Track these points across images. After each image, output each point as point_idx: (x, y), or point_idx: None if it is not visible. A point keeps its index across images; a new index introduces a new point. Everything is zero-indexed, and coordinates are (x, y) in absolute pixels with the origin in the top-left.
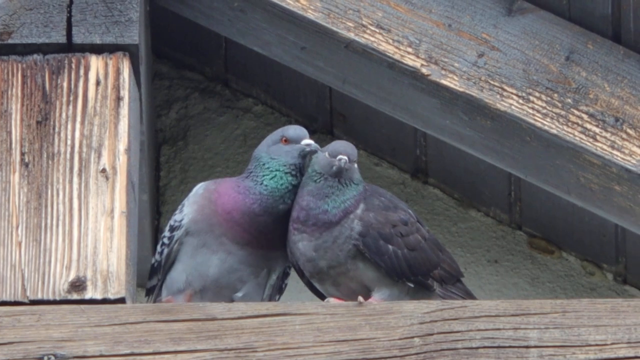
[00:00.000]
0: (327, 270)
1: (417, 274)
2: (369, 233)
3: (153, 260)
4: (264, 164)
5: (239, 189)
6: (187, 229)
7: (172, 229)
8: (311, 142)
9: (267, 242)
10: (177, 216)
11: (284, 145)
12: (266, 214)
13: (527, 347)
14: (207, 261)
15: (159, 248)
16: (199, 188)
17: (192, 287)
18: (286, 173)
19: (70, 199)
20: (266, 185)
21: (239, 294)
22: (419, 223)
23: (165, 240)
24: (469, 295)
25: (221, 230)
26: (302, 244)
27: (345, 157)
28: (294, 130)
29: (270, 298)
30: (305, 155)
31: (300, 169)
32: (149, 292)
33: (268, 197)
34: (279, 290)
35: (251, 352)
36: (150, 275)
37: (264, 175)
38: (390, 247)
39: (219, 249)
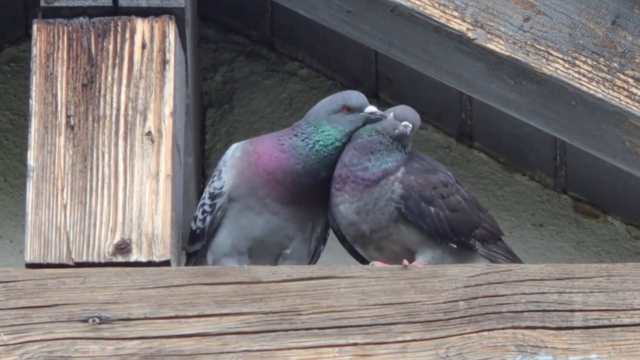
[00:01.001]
0: (369, 234)
1: (460, 234)
2: (410, 196)
3: (194, 227)
4: (323, 131)
5: (282, 147)
6: (228, 195)
7: (213, 197)
8: (374, 109)
9: (310, 200)
10: (216, 183)
11: (346, 115)
12: (308, 176)
13: (572, 310)
14: (252, 223)
15: (199, 215)
16: (235, 150)
17: (238, 249)
18: (343, 143)
19: (116, 162)
20: (317, 151)
21: (287, 251)
22: (458, 184)
23: (207, 208)
24: (510, 254)
25: (264, 191)
26: (343, 206)
27: (411, 126)
28: (356, 98)
29: (316, 250)
30: (368, 124)
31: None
32: (191, 256)
33: (314, 161)
34: (323, 241)
35: (296, 315)
36: (191, 241)
37: (318, 140)
38: (432, 208)
39: (263, 210)
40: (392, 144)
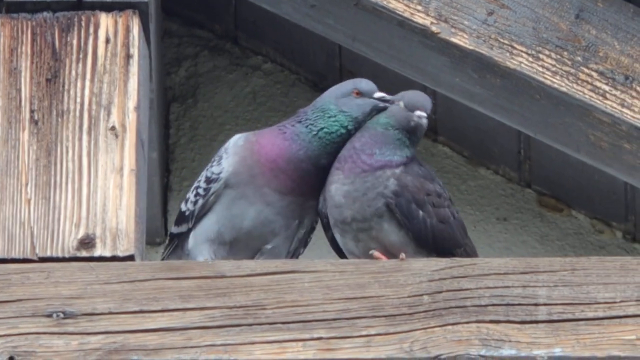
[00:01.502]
0: (350, 221)
1: (441, 248)
2: (403, 194)
3: (184, 208)
4: (330, 117)
5: (284, 135)
6: (226, 181)
7: (209, 181)
8: (384, 94)
9: (308, 189)
10: (214, 168)
11: (356, 98)
12: (309, 161)
13: (535, 304)
14: (243, 213)
15: (191, 197)
16: (239, 139)
17: (222, 238)
18: (348, 130)
19: (80, 157)
20: (320, 138)
21: (268, 246)
22: (450, 201)
23: (201, 191)
24: None
25: (264, 180)
26: (334, 186)
27: (425, 114)
28: (367, 83)
29: (296, 251)
30: (375, 111)
31: (361, 125)
32: (174, 237)
33: (316, 147)
34: (304, 244)
35: (260, 310)
36: (177, 222)
37: (323, 127)
38: (421, 212)
39: (258, 200)
40: (406, 137)
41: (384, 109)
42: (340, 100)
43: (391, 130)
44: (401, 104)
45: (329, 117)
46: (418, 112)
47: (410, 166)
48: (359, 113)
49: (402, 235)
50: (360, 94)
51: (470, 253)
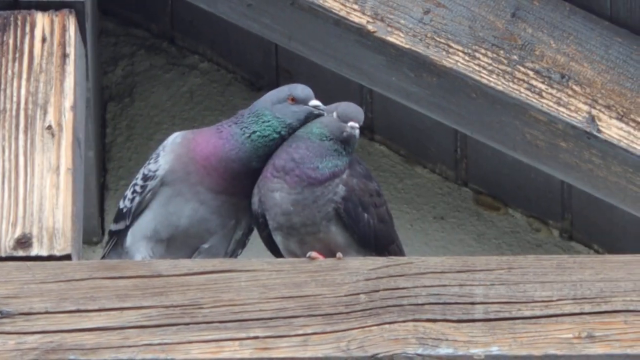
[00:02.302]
0: (299, 227)
1: (380, 245)
2: (351, 198)
3: (122, 206)
4: (264, 122)
5: (220, 134)
6: (162, 179)
7: (146, 178)
8: (319, 103)
9: (240, 189)
10: (151, 165)
11: (291, 105)
12: (240, 162)
13: (472, 303)
14: (179, 211)
15: (129, 194)
16: (176, 137)
17: (159, 235)
18: (281, 135)
19: (16, 156)
20: (252, 140)
21: (205, 245)
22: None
23: (138, 189)
24: None
25: (197, 177)
26: (279, 194)
27: (357, 125)
28: (302, 89)
29: (234, 252)
30: (310, 117)
31: (294, 131)
32: (112, 235)
33: (248, 149)
34: (242, 245)
35: (197, 309)
36: (116, 219)
37: (256, 131)
38: (365, 215)
39: (193, 198)
40: (341, 147)
41: (318, 116)
42: (276, 107)
43: (326, 141)
44: (334, 114)
45: (263, 122)
46: (351, 123)
47: (352, 167)
48: (293, 120)
49: (348, 237)
50: (295, 100)
51: (401, 247)
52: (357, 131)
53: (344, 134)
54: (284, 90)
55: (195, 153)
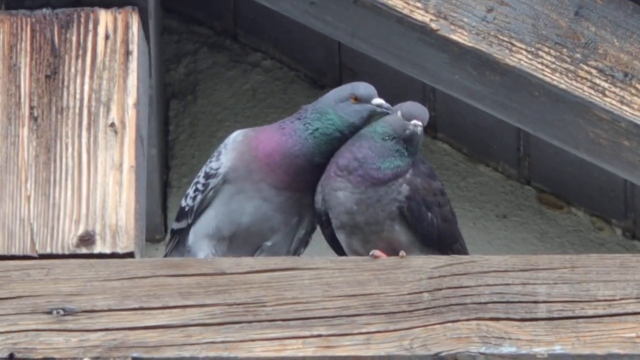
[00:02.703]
0: (362, 226)
1: (443, 244)
2: (414, 198)
3: (183, 204)
4: (327, 119)
5: (283, 130)
6: (224, 176)
7: (208, 176)
8: (382, 101)
9: (304, 185)
10: (213, 164)
11: (353, 104)
12: (304, 158)
13: (535, 302)
14: (241, 208)
15: (191, 193)
16: (237, 135)
17: (221, 233)
18: (343, 134)
19: (79, 153)
20: (315, 137)
21: (268, 243)
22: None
23: (200, 187)
24: None
25: (260, 175)
26: (343, 193)
27: (420, 123)
28: (365, 88)
29: (296, 251)
30: (373, 116)
31: (357, 129)
32: (175, 233)
33: (311, 144)
34: (305, 244)
35: (260, 307)
36: (178, 218)
37: (318, 128)
38: (429, 214)
39: (255, 195)
40: (404, 147)
41: (382, 114)
42: (338, 105)
43: (389, 142)
44: (398, 113)
45: (326, 119)
46: (414, 121)
47: (416, 165)
48: (356, 118)
49: (411, 235)
50: (357, 99)
51: (464, 246)
52: (420, 129)
53: (406, 132)
54: (346, 89)
55: (257, 150)
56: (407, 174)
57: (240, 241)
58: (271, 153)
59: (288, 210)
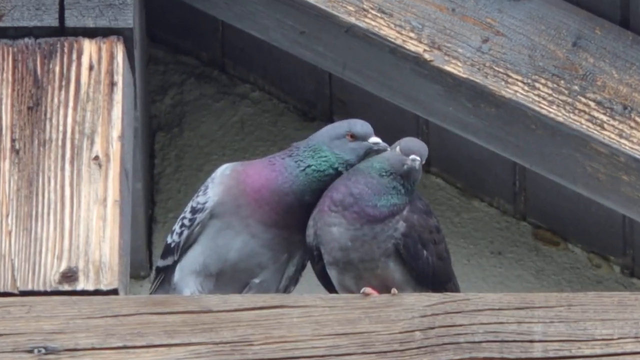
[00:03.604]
0: (356, 262)
1: (437, 283)
2: (411, 235)
3: (169, 240)
4: (321, 156)
5: (273, 166)
6: (211, 211)
7: (195, 211)
8: (379, 140)
9: (292, 222)
10: (200, 198)
11: (349, 142)
12: (294, 196)
13: (531, 341)
14: (229, 244)
15: (177, 229)
16: (225, 169)
17: (208, 270)
18: (337, 171)
19: (62, 187)
20: (307, 174)
21: (256, 280)
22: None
23: (186, 222)
24: None
25: (248, 210)
26: (337, 229)
27: (419, 158)
28: (362, 126)
29: (286, 288)
30: (370, 154)
31: (351, 166)
32: (160, 271)
33: (302, 182)
34: (295, 282)
35: (247, 346)
36: (163, 255)
37: (311, 165)
38: (425, 252)
39: (243, 231)
40: (401, 184)
41: (378, 152)
42: (334, 142)
43: (386, 178)
44: (397, 149)
45: (320, 156)
46: (413, 156)
47: (413, 202)
48: (352, 156)
49: (405, 273)
50: (354, 137)
51: (457, 285)
52: (418, 164)
53: (404, 167)
54: (342, 127)
55: (245, 185)
56: (404, 211)
57: (227, 278)
58: (260, 189)
59: (276, 247)
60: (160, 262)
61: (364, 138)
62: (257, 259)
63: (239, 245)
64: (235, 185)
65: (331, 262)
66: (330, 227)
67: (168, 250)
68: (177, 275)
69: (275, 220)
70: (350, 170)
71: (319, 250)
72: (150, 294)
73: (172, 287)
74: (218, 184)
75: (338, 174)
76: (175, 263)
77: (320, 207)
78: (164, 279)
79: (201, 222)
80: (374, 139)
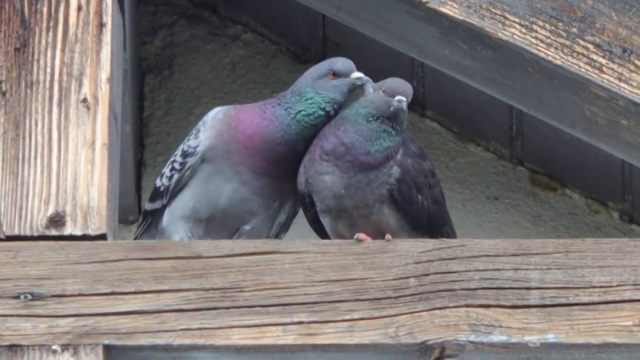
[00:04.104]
0: (350, 210)
1: (433, 228)
2: (405, 180)
3: (159, 184)
4: (307, 99)
5: (264, 114)
6: (202, 155)
7: (186, 155)
8: (361, 75)
9: (284, 171)
10: (191, 142)
11: (332, 80)
12: (286, 145)
13: (528, 288)
14: (219, 189)
15: (167, 172)
16: (218, 112)
17: (198, 215)
18: (326, 112)
19: (50, 130)
20: (298, 121)
21: (247, 227)
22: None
23: (177, 166)
24: None
25: (239, 157)
26: (330, 177)
27: (404, 99)
28: (343, 63)
29: (277, 235)
30: (354, 90)
31: (340, 107)
32: (147, 214)
33: (294, 131)
34: (285, 228)
35: (238, 292)
36: (152, 198)
37: (300, 110)
38: (420, 196)
39: (234, 177)
40: (390, 127)
41: (362, 87)
42: (317, 82)
43: (374, 123)
44: (381, 91)
45: (306, 99)
46: (398, 97)
47: (406, 146)
48: (337, 94)
49: (400, 218)
50: (336, 74)
51: (453, 229)
52: (405, 104)
53: (390, 109)
54: (324, 66)
55: (237, 131)
56: (397, 155)
57: (217, 224)
58: (251, 136)
59: (267, 195)
60: (148, 206)
61: (346, 74)
62: (247, 206)
63: (230, 192)
64: (227, 131)
65: (324, 210)
66: (323, 176)
67: (157, 194)
68: (165, 219)
69: (267, 169)
70: (337, 119)
71: (311, 197)
72: (136, 238)
73: (160, 231)
74: (210, 128)
75: (328, 115)
76: (164, 207)
77: (311, 155)
78: (150, 222)
79: (192, 166)
80: (356, 74)
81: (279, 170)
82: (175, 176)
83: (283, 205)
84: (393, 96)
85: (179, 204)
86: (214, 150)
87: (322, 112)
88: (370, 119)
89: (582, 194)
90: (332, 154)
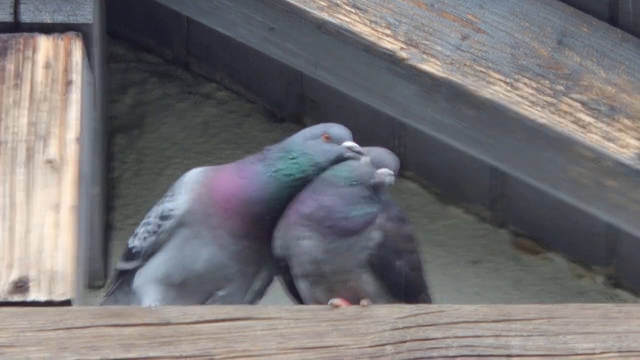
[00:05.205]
0: (329, 275)
1: (410, 295)
2: (385, 245)
3: (131, 244)
4: (291, 158)
5: (242, 173)
6: (180, 219)
7: (163, 218)
8: (354, 144)
9: (263, 233)
10: (168, 204)
11: (324, 143)
12: (262, 205)
13: (509, 355)
14: (196, 254)
15: (141, 233)
16: (197, 174)
17: (170, 279)
18: (307, 175)
19: (14, 192)
20: (277, 179)
21: (221, 292)
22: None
23: (152, 228)
24: None
25: (218, 220)
26: (308, 242)
27: (392, 173)
28: (339, 129)
29: (251, 303)
30: (342, 160)
31: (321, 171)
32: (119, 274)
33: (272, 191)
34: (260, 295)
35: None
36: (125, 258)
37: (281, 169)
38: (397, 262)
39: (212, 241)
40: (372, 192)
41: (349, 158)
42: (308, 142)
43: (356, 187)
44: (367, 159)
45: (290, 158)
46: (383, 170)
47: (387, 209)
48: (323, 159)
49: (378, 285)
50: (329, 138)
51: (430, 295)
52: (389, 178)
53: (371, 181)
54: (319, 127)
55: (215, 193)
56: (378, 219)
57: (190, 289)
58: (229, 198)
59: (245, 260)
60: (120, 265)
61: (339, 141)
62: (224, 271)
63: (207, 257)
64: (205, 193)
65: (301, 275)
66: (300, 240)
67: (130, 255)
68: (137, 281)
69: (246, 231)
70: (315, 182)
71: (286, 262)
72: (107, 295)
73: (132, 292)
74: (189, 191)
75: (308, 179)
76: (137, 268)
77: (287, 219)
78: (122, 282)
79: (168, 230)
80: (348, 143)
81: (257, 232)
82: (150, 239)
83: (259, 271)
84: (378, 167)
85: (152, 267)
86: (192, 214)
87: (301, 175)
88: (354, 182)
89: (566, 257)
90: (310, 218)
